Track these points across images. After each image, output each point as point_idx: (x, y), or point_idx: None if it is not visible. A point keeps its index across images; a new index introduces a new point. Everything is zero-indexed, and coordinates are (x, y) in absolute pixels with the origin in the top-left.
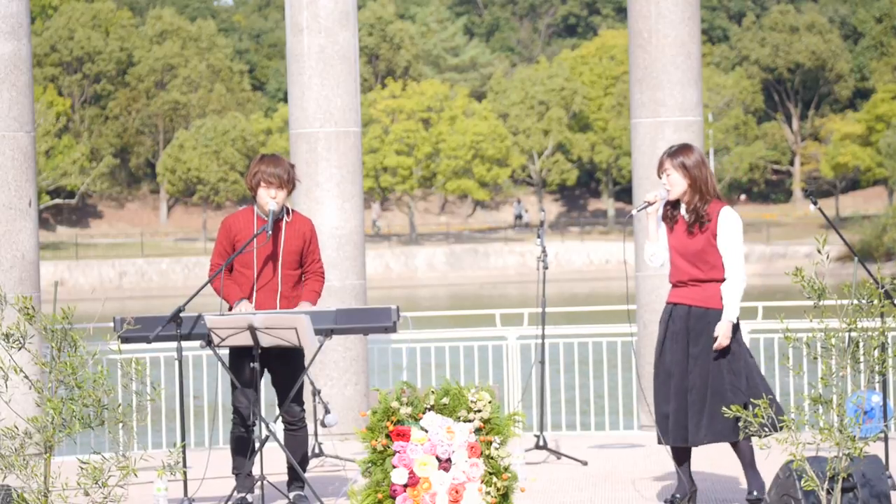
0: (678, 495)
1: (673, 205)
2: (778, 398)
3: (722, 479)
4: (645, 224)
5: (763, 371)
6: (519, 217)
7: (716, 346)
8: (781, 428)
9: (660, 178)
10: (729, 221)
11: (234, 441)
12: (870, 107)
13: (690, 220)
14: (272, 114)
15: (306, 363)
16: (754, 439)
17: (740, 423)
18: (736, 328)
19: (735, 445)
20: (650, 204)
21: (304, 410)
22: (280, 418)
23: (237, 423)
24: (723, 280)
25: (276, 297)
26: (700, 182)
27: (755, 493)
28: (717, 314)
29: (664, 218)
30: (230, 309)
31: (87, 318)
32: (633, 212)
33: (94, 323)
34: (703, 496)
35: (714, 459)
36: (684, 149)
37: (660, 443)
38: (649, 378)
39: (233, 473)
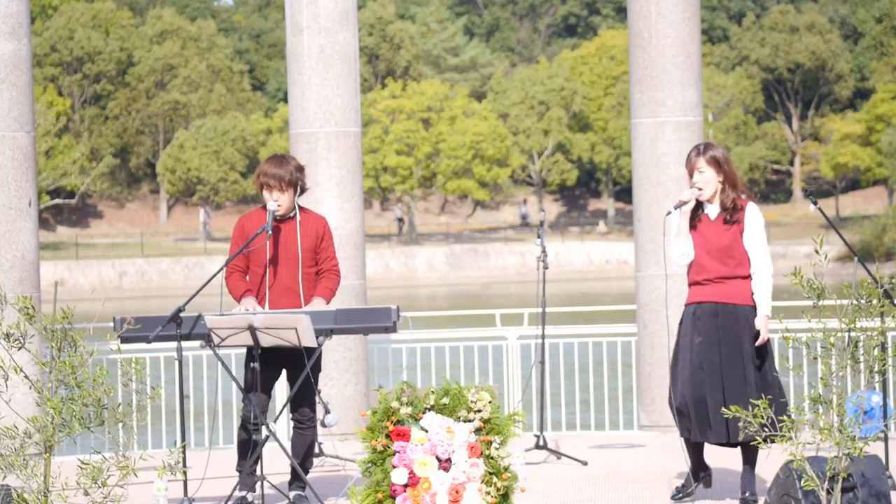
0: (689, 488)
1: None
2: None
3: (730, 474)
4: (677, 223)
5: None
6: (525, 218)
7: (759, 342)
8: (781, 428)
9: (691, 177)
10: (757, 217)
11: (240, 442)
12: (870, 107)
13: (726, 216)
14: (272, 114)
15: (307, 363)
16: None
17: (740, 424)
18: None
19: (751, 448)
20: (684, 203)
21: (314, 411)
22: (283, 418)
23: (243, 423)
24: (747, 276)
25: (291, 294)
26: (732, 177)
27: (748, 494)
28: (746, 310)
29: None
30: (238, 302)
31: (87, 318)
32: (672, 209)
33: (94, 323)
34: (710, 493)
35: (719, 459)
36: (712, 146)
37: (691, 438)
38: (648, 378)
39: (236, 470)
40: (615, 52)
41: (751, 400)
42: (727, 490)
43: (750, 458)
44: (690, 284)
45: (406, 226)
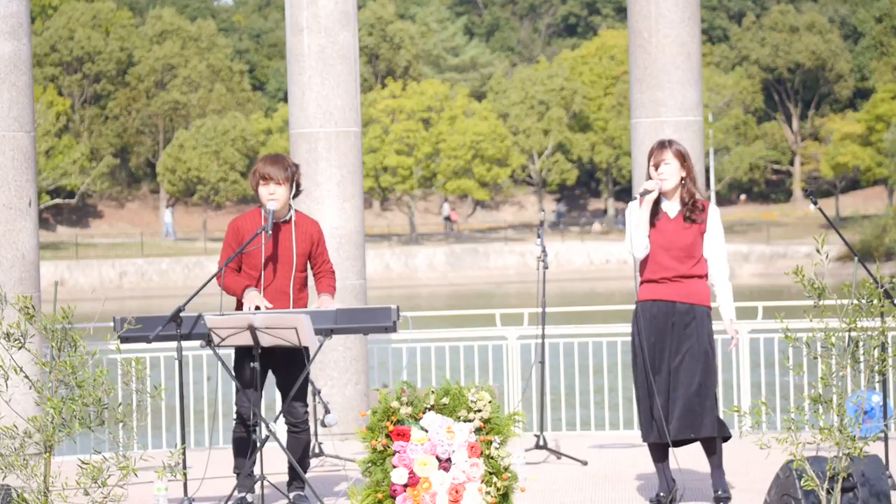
0: (662, 493)
1: (655, 201)
2: (778, 398)
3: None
4: (638, 216)
5: (763, 371)
6: (560, 216)
7: (733, 345)
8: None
9: (656, 169)
10: (718, 217)
11: (235, 441)
12: (870, 107)
13: (686, 213)
14: (272, 114)
15: (307, 363)
16: (755, 440)
17: (739, 423)
18: (710, 327)
19: (710, 445)
20: (649, 192)
21: (307, 412)
22: (282, 419)
23: (239, 422)
24: (703, 276)
25: (284, 298)
26: (693, 174)
27: (720, 491)
28: (701, 310)
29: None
30: (240, 298)
31: (87, 318)
32: (637, 195)
33: (94, 323)
34: (693, 494)
35: (701, 458)
36: (675, 141)
37: (645, 440)
38: None
39: (234, 473)
40: (615, 52)
41: (703, 397)
42: (700, 494)
43: (713, 455)
44: (644, 282)
45: (456, 225)
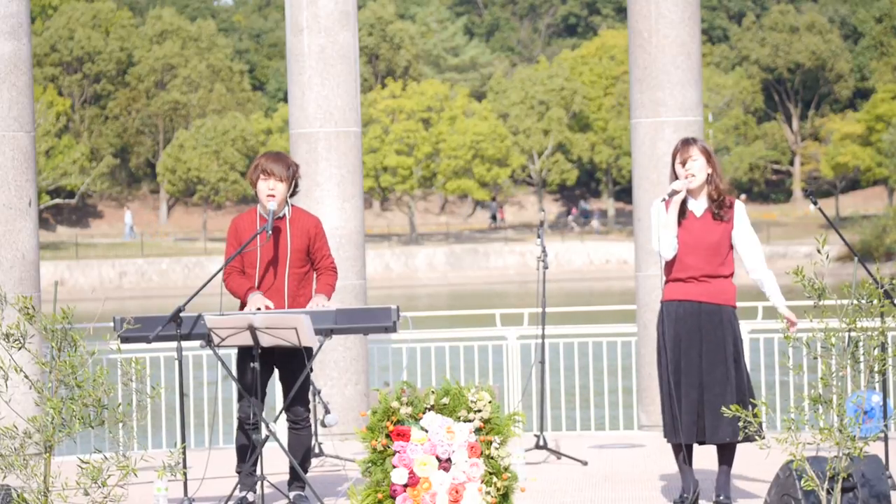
0: (686, 494)
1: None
2: (778, 398)
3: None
4: (666, 214)
5: (763, 371)
6: (586, 214)
7: (795, 329)
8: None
9: (683, 166)
10: (745, 212)
11: (239, 447)
12: (870, 107)
13: (714, 211)
14: (272, 114)
15: (307, 363)
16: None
17: (740, 424)
18: (738, 327)
19: (729, 448)
20: (676, 192)
21: (308, 410)
22: (283, 418)
23: (240, 427)
24: (729, 276)
25: (281, 296)
26: (719, 170)
27: (722, 496)
28: (728, 311)
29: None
30: (244, 300)
31: (87, 318)
32: (666, 197)
33: (94, 323)
34: (704, 495)
35: (707, 457)
36: (699, 138)
37: (669, 440)
38: (648, 378)
39: (236, 472)
40: (615, 52)
41: (731, 401)
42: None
43: (726, 459)
44: (669, 280)
45: (502, 222)
